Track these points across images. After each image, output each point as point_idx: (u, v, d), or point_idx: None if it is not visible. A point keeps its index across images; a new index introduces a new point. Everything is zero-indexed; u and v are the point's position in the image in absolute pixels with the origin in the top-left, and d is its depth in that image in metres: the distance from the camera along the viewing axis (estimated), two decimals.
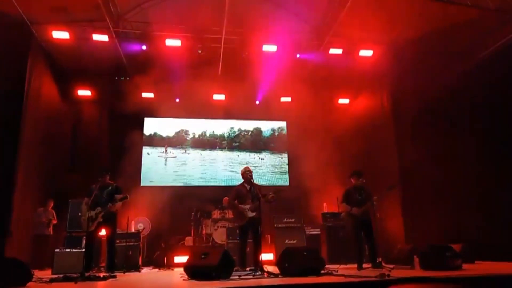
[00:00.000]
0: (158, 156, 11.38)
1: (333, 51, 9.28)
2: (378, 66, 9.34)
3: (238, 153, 11.87)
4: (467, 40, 8.43)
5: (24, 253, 7.67)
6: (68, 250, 7.46)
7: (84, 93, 10.67)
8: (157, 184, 11.05)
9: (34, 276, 4.94)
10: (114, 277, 5.82)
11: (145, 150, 11.31)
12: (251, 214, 6.40)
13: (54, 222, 8.60)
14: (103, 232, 6.59)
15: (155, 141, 11.50)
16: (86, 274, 5.43)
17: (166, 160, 11.39)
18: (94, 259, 6.77)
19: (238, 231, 6.98)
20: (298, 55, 9.47)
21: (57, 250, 7.40)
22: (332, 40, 9.05)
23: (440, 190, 8.40)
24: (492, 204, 7.43)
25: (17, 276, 4.57)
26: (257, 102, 11.52)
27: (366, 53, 9.34)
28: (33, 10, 7.73)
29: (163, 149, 11.46)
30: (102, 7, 7.67)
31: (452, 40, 8.35)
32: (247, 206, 6.44)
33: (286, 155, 11.99)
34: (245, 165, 7.05)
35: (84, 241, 7.13)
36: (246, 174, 6.69)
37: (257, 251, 6.25)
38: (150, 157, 11.31)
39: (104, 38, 8.52)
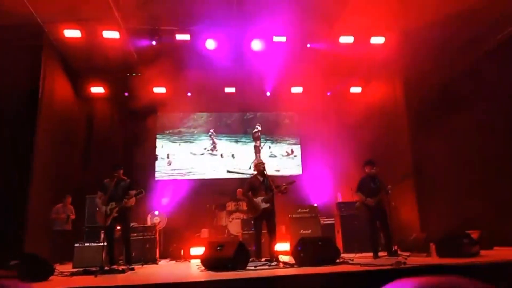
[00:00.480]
0: (172, 149, 11.47)
1: (343, 39, 9.16)
2: (390, 53, 9.19)
3: (251, 143, 11.89)
4: (481, 24, 8.22)
5: (44, 248, 7.87)
6: (87, 244, 7.64)
7: (97, 90, 10.80)
8: (172, 177, 11.17)
9: (55, 270, 5.08)
10: (133, 269, 5.94)
11: (159, 144, 11.42)
12: (264, 206, 6.44)
13: (73, 217, 8.80)
14: (118, 227, 6.72)
15: (168, 135, 11.60)
16: (106, 268, 5.55)
17: (180, 154, 11.48)
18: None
19: (252, 222, 7.04)
20: (308, 45, 9.38)
21: (76, 244, 7.58)
22: (342, 28, 8.93)
23: (455, 177, 8.28)
24: (510, 190, 7.30)
25: (39, 271, 4.71)
26: (268, 94, 11.49)
27: (377, 40, 9.21)
28: (45, 10, 7.82)
29: (176, 143, 11.54)
30: (112, 4, 7.71)
31: (466, 25, 8.15)
32: (261, 198, 6.48)
33: (299, 146, 11.96)
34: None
35: (102, 235, 7.28)
36: (259, 166, 6.73)
37: (272, 242, 6.31)
38: (164, 150, 11.41)
39: (115, 35, 8.57)
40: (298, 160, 11.85)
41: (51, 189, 8.78)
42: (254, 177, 6.88)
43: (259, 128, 6.20)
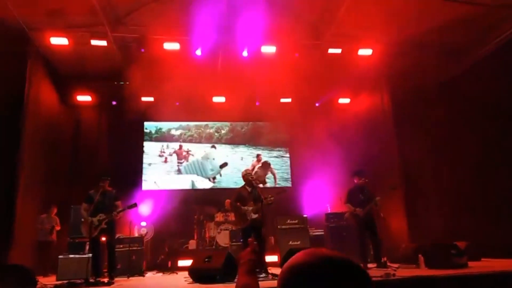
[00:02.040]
0: (159, 160, 11.34)
1: (332, 50, 9.23)
2: (378, 65, 9.29)
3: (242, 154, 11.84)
4: (467, 37, 8.40)
5: (28, 260, 7.65)
6: (71, 256, 7.45)
7: (84, 98, 10.66)
8: (159, 187, 11.02)
9: (38, 282, 4.93)
10: (113, 283, 5.81)
11: (146, 154, 11.28)
12: (253, 216, 6.38)
13: (58, 228, 8.57)
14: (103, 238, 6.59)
15: (156, 145, 11.47)
16: (91, 280, 5.41)
17: (166, 164, 11.35)
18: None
19: (241, 233, 6.97)
20: (296, 54, 9.41)
21: (60, 256, 7.39)
22: (331, 39, 9.01)
23: (444, 188, 8.37)
24: (497, 202, 7.39)
25: (21, 283, 4.57)
26: (257, 104, 11.49)
27: (365, 52, 9.30)
28: (31, 17, 7.73)
29: (163, 153, 11.42)
30: (100, 12, 7.65)
31: (452, 37, 8.32)
32: (250, 208, 6.43)
33: (288, 157, 11.95)
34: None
35: (87, 247, 7.12)
36: (247, 176, 6.68)
37: (261, 253, 6.23)
38: (151, 161, 11.28)
39: (102, 43, 8.49)
40: (287, 170, 11.82)
41: (36, 198, 8.58)
42: (242, 187, 6.83)
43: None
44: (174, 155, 11.43)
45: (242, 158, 11.78)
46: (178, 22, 8.22)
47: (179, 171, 11.31)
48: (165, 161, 11.33)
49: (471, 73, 8.24)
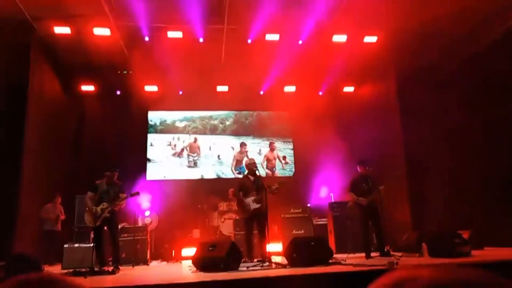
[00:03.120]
0: (163, 149, 11.35)
1: (336, 38, 9.13)
2: (383, 52, 9.19)
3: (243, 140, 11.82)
4: (473, 23, 8.27)
5: (34, 249, 7.74)
6: (76, 245, 7.52)
7: (87, 88, 10.65)
8: (163, 178, 11.06)
9: (44, 271, 4.98)
10: (117, 270, 5.85)
11: (150, 143, 11.30)
12: (255, 206, 6.38)
13: (63, 217, 8.64)
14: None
15: (160, 134, 11.48)
16: (95, 269, 5.46)
17: (171, 154, 11.37)
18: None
19: (243, 223, 6.99)
20: (300, 42, 9.31)
21: (66, 245, 7.46)
22: (335, 26, 8.91)
23: (447, 177, 8.32)
24: (500, 189, 7.34)
25: (28, 272, 4.61)
26: (261, 92, 11.44)
27: (370, 39, 9.20)
28: (34, 6, 7.68)
29: (168, 142, 11.43)
30: (103, 0, 7.59)
31: (458, 24, 8.19)
32: (251, 198, 6.43)
33: (291, 145, 11.93)
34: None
35: (92, 236, 7.18)
36: (251, 165, 6.67)
37: (262, 243, 6.26)
38: (155, 150, 11.30)
39: (105, 32, 8.44)
40: (290, 159, 11.81)
41: (41, 188, 8.64)
42: (245, 177, 6.83)
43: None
44: (188, 148, 11.44)
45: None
46: (181, 9, 8.14)
47: (194, 164, 11.30)
48: (178, 155, 11.33)
49: (477, 61, 8.12)
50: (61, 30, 8.31)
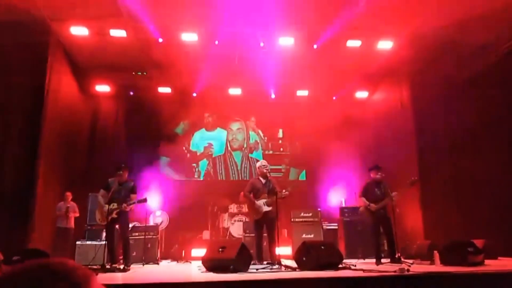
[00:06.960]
0: (177, 150, 11.43)
1: (351, 43, 9.10)
2: (397, 58, 9.12)
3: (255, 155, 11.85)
4: (491, 31, 8.15)
5: (47, 246, 7.86)
6: (88, 242, 7.62)
7: (102, 88, 10.81)
8: (175, 177, 11.14)
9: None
10: (128, 269, 5.91)
11: (163, 144, 11.38)
12: (266, 209, 6.39)
13: (76, 215, 8.70)
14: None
15: (173, 135, 11.56)
16: (107, 266, 5.52)
17: (184, 154, 11.45)
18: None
19: (253, 224, 6.99)
20: (315, 46, 9.30)
21: (78, 242, 7.56)
22: (350, 32, 8.87)
23: (461, 185, 8.20)
24: None
25: None
26: (273, 96, 11.45)
27: (385, 44, 9.14)
28: (52, 7, 7.82)
29: (181, 143, 11.52)
30: (119, 2, 7.70)
31: (475, 32, 8.08)
32: (263, 201, 6.43)
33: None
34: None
35: (104, 234, 7.26)
36: (262, 168, 6.68)
37: (272, 246, 6.26)
38: (169, 151, 11.37)
39: (121, 33, 8.57)
40: (302, 163, 11.78)
41: (56, 186, 8.78)
42: (256, 179, 6.84)
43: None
44: (202, 150, 11.57)
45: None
46: (195, 12, 8.21)
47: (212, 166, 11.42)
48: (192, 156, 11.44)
49: (494, 69, 8.01)
50: (78, 31, 8.45)
